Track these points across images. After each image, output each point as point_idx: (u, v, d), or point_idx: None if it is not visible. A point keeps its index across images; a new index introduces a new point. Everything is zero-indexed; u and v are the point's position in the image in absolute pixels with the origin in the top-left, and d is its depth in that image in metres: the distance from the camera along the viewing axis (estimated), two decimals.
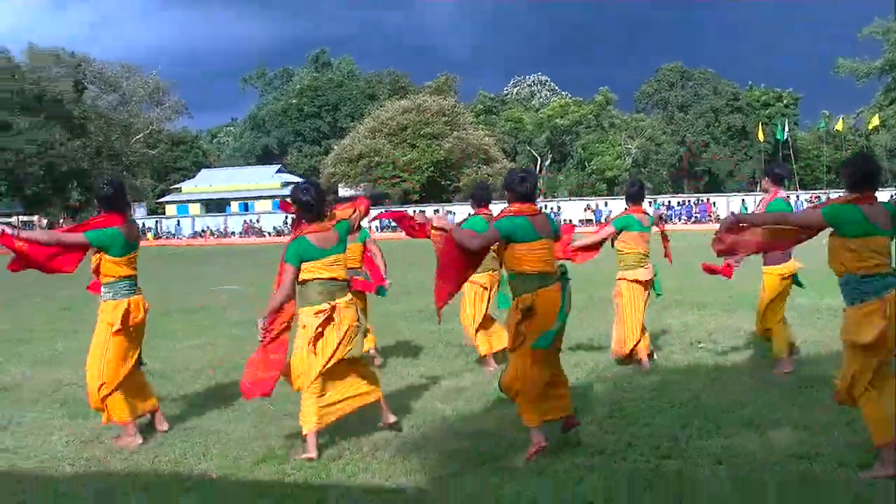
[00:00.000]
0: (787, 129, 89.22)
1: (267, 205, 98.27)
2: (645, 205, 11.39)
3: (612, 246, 10.99)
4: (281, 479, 7.17)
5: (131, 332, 8.44)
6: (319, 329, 7.71)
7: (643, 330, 10.97)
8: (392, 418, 8.29)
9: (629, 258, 10.92)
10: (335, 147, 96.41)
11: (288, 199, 8.21)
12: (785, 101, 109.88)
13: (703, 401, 9.04)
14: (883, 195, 53.97)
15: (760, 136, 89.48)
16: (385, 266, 11.97)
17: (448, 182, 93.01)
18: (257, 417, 9.18)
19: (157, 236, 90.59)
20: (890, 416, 6.52)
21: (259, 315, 7.79)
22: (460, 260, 7.52)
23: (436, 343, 13.32)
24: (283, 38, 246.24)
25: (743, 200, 76.25)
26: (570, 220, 78.72)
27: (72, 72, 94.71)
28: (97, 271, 8.34)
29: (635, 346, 10.88)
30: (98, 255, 8.26)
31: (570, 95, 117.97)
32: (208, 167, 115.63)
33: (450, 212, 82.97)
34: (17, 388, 11.22)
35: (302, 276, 7.74)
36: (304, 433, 7.75)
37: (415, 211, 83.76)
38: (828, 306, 14.42)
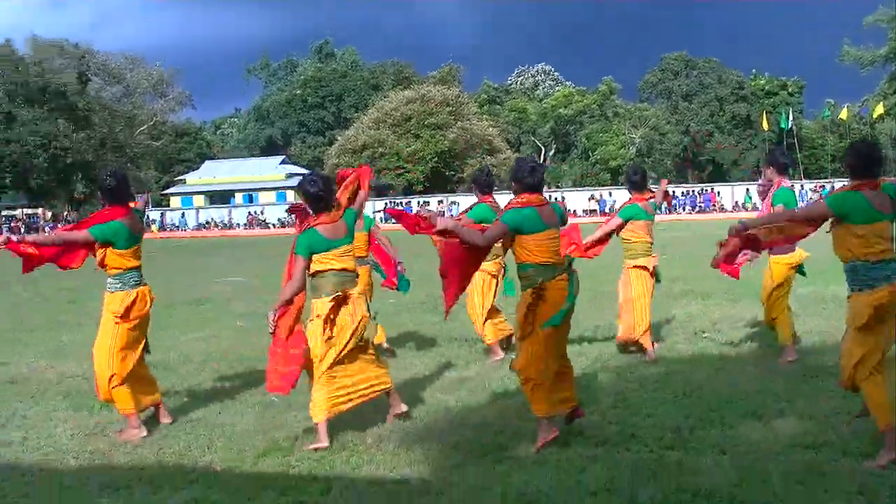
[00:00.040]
0: (791, 117, 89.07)
1: (271, 196, 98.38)
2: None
3: (618, 235, 10.98)
4: (285, 471, 7.18)
5: (138, 322, 8.47)
6: (332, 317, 7.75)
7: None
8: (402, 408, 8.32)
9: (637, 247, 10.90)
10: (339, 138, 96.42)
11: (298, 202, 8.22)
12: (789, 90, 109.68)
13: (706, 391, 9.03)
14: None
15: (765, 125, 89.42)
16: (394, 251, 11.97)
17: (452, 172, 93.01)
18: (262, 409, 9.19)
19: (162, 228, 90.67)
20: (892, 399, 6.55)
21: (270, 308, 7.77)
22: (467, 257, 7.52)
23: (439, 334, 13.32)
24: (287, 30, 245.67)
25: (748, 190, 76.18)
26: (574, 211, 78.77)
27: (75, 63, 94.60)
28: (103, 264, 8.35)
29: (644, 332, 10.89)
30: (103, 249, 8.27)
31: (573, 85, 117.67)
32: (212, 159, 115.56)
33: (454, 202, 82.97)
34: (22, 381, 11.23)
35: (314, 268, 7.76)
36: (315, 422, 7.78)
37: (419, 202, 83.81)
38: (833, 295, 14.40)
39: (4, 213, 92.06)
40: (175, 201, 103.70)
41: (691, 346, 11.58)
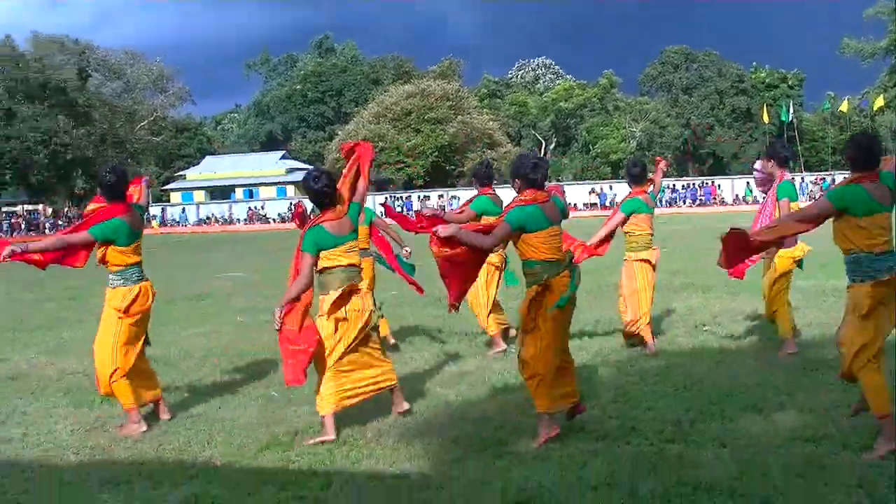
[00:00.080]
0: (792, 110, 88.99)
1: (271, 191, 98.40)
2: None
3: (621, 229, 10.99)
4: (285, 465, 7.17)
5: (140, 317, 8.49)
6: (341, 312, 7.79)
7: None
8: (405, 406, 8.32)
9: (639, 239, 10.90)
10: (339, 133, 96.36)
11: (298, 204, 8.22)
12: (790, 83, 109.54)
13: (706, 384, 9.02)
14: None
15: (765, 118, 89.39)
16: (398, 237, 11.98)
17: (452, 167, 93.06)
18: (262, 404, 9.20)
19: (163, 224, 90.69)
20: (889, 387, 6.60)
21: (276, 305, 7.75)
22: (471, 259, 7.53)
23: (439, 328, 13.32)
24: (287, 25, 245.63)
25: (748, 183, 76.11)
26: (575, 204, 78.76)
27: (76, 59, 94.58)
28: (104, 261, 8.35)
29: (646, 325, 10.90)
30: (104, 247, 8.28)
31: (574, 79, 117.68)
32: (213, 154, 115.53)
33: (454, 197, 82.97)
34: (22, 378, 11.23)
35: (321, 265, 7.79)
36: (321, 416, 7.80)
37: (420, 197, 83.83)
38: (833, 288, 14.37)
39: (5, 209, 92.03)
40: (175, 197, 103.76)
41: (692, 340, 11.58)
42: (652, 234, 11.00)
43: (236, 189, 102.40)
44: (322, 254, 7.74)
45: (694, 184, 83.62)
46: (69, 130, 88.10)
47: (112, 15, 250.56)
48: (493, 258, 11.06)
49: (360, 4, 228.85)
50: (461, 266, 7.50)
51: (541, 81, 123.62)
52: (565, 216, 7.71)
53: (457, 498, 6.15)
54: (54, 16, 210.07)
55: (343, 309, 7.80)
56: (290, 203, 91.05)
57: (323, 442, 7.63)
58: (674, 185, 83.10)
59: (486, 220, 11.16)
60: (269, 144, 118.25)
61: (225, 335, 14.09)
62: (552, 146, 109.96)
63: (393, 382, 8.25)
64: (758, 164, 10.70)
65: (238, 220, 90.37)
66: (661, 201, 76.35)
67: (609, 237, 10.76)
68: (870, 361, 6.66)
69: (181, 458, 7.51)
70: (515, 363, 9.89)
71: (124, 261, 8.35)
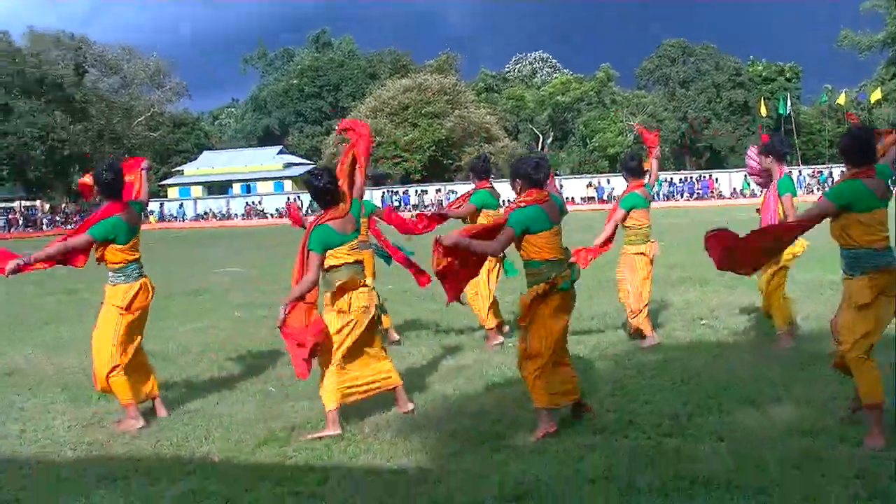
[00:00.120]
0: (789, 103, 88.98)
1: (269, 186, 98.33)
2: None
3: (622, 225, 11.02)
4: (283, 461, 7.18)
5: (140, 314, 8.53)
6: (348, 308, 7.82)
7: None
8: (409, 406, 8.32)
9: (639, 233, 10.91)
10: (337, 127, 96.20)
11: (292, 201, 8.20)
12: (787, 75, 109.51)
13: (704, 378, 9.03)
14: None
15: (763, 111, 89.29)
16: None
17: (450, 161, 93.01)
18: (259, 400, 9.21)
19: (161, 219, 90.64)
20: (887, 379, 6.65)
21: (281, 303, 7.74)
22: (473, 262, 7.56)
23: (436, 322, 13.32)
24: (285, 19, 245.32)
25: (745, 176, 75.88)
26: (573, 198, 78.75)
27: (72, 55, 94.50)
28: (103, 259, 8.36)
29: (645, 318, 10.93)
30: (104, 246, 8.28)
31: (571, 73, 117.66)
32: (210, 149, 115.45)
33: (452, 191, 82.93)
34: (19, 374, 11.24)
35: (328, 263, 7.79)
36: (326, 410, 7.81)
37: (417, 191, 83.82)
38: (830, 281, 14.38)
39: (2, 205, 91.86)
40: (173, 192, 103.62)
41: (689, 334, 11.58)
42: (650, 227, 11.02)
43: (234, 184, 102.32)
44: (328, 252, 7.75)
45: (691, 177, 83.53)
46: (66, 126, 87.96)
47: (107, 10, 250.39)
48: None
49: None
50: (465, 267, 7.56)
51: (538, 75, 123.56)
52: (564, 213, 7.73)
53: (454, 492, 6.15)
54: (50, 10, 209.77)
55: (349, 306, 7.82)
56: (287, 198, 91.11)
57: (324, 437, 7.65)
58: (671, 179, 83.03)
59: (486, 213, 11.22)
60: (266, 139, 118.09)
61: (223, 330, 14.09)
62: (549, 140, 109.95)
63: (397, 383, 8.27)
64: (751, 151, 10.68)
65: (235, 215, 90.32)
66: (658, 195, 76.46)
67: (613, 236, 10.78)
68: (867, 352, 6.70)
69: (178, 454, 7.51)
70: (513, 357, 9.95)
71: (124, 258, 8.37)
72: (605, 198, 77.86)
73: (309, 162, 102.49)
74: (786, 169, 10.18)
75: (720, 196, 76.72)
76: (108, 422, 8.56)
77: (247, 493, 6.44)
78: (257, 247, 39.34)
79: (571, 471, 6.45)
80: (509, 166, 7.71)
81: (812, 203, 7.18)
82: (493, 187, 11.55)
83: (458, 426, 7.72)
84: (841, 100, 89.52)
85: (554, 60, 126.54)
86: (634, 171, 10.98)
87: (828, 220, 6.85)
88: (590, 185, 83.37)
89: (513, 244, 7.45)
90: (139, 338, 8.62)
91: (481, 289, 11.40)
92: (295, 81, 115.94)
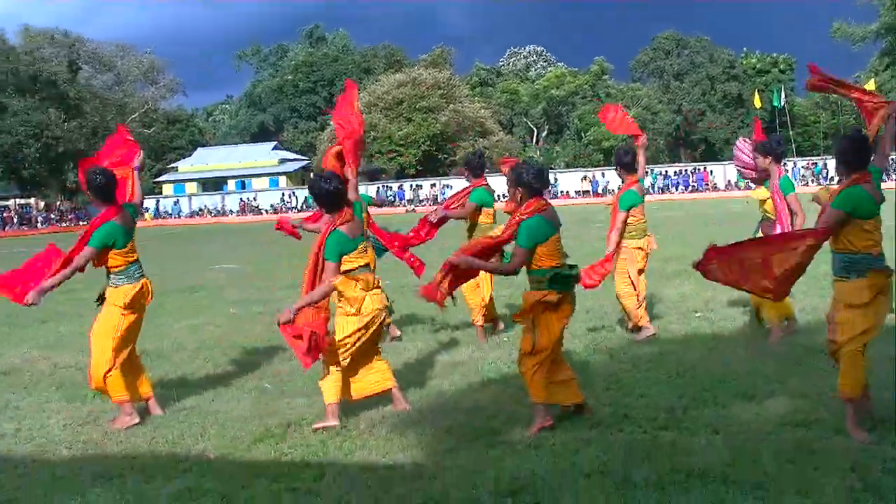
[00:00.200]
0: (783, 95, 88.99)
1: (264, 182, 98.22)
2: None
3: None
4: (278, 457, 7.18)
5: (141, 314, 8.59)
6: (362, 308, 7.82)
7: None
8: (404, 406, 8.31)
9: (638, 228, 10.91)
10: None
11: (283, 218, 8.24)
12: (780, 67, 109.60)
13: (699, 370, 9.05)
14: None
15: (757, 103, 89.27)
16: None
17: (445, 156, 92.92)
18: (255, 397, 9.21)
19: (156, 216, 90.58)
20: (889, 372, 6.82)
21: (288, 307, 7.73)
22: (470, 274, 7.60)
23: (432, 318, 13.30)
24: (278, 15, 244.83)
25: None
26: (567, 192, 78.78)
27: (66, 52, 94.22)
28: (103, 263, 8.37)
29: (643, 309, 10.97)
30: (101, 253, 8.30)
31: (565, 66, 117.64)
32: (204, 146, 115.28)
33: (447, 185, 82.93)
34: (14, 373, 11.23)
35: (342, 268, 7.78)
36: (326, 403, 7.86)
37: (412, 186, 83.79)
38: (825, 273, 14.30)
39: None
40: (168, 189, 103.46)
41: (684, 327, 11.59)
42: (646, 222, 11.04)
43: (228, 180, 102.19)
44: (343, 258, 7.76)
45: (686, 170, 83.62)
46: (60, 123, 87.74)
47: (103, 9, 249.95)
48: None
49: None
50: (459, 279, 7.61)
51: (532, 69, 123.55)
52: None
53: (450, 488, 6.15)
54: (44, 7, 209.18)
55: (364, 309, 7.83)
56: (283, 193, 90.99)
57: (325, 428, 7.70)
58: (666, 172, 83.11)
59: (486, 211, 11.24)
60: (260, 135, 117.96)
61: (218, 327, 14.09)
62: (544, 134, 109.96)
63: (392, 385, 8.28)
64: (741, 144, 10.68)
65: (230, 211, 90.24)
66: (653, 188, 76.53)
67: (621, 241, 10.75)
68: (864, 346, 6.75)
69: (174, 452, 7.52)
70: (509, 352, 9.99)
71: (125, 260, 8.42)
72: (600, 191, 77.84)
73: (304, 158, 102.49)
74: (783, 169, 10.25)
75: (715, 188, 76.76)
76: (103, 420, 8.55)
77: (243, 489, 6.44)
78: (252, 243, 39.36)
79: (567, 465, 6.46)
80: (510, 173, 7.67)
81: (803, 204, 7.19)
82: (488, 184, 11.56)
83: (453, 422, 7.72)
84: None
85: (548, 54, 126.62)
86: (629, 166, 10.96)
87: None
88: (584, 178, 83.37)
89: (507, 243, 7.46)
90: (136, 338, 8.66)
91: (484, 290, 11.43)
92: (289, 77, 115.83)
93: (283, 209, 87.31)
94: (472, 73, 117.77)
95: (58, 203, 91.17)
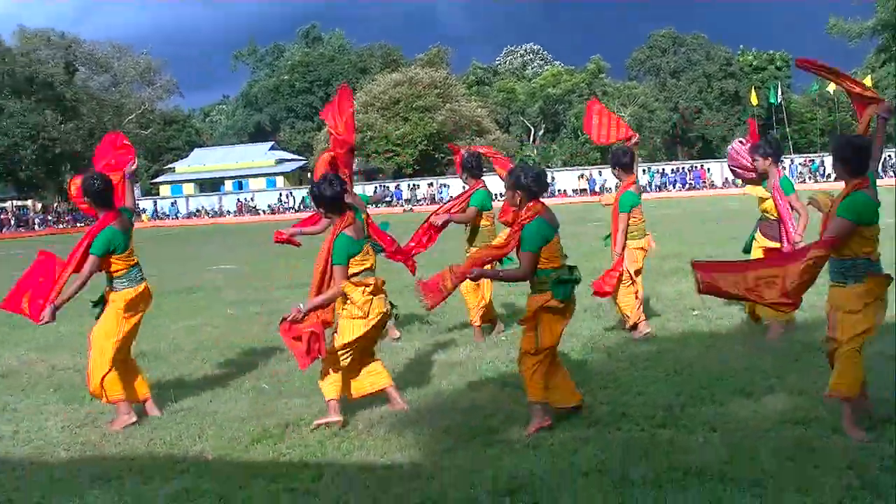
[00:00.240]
0: (780, 92, 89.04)
1: (261, 182, 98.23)
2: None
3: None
4: (276, 458, 7.18)
5: (141, 316, 8.65)
6: (369, 310, 7.85)
7: None
8: (402, 405, 8.30)
9: (638, 228, 10.91)
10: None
11: (281, 233, 8.34)
12: (777, 64, 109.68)
13: (697, 368, 9.05)
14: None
15: (754, 101, 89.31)
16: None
17: (442, 155, 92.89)
18: (253, 397, 9.21)
19: (154, 217, 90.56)
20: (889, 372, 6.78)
21: (299, 306, 7.72)
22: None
23: (429, 317, 13.29)
24: (273, 15, 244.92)
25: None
26: (564, 190, 78.78)
27: (62, 53, 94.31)
28: (105, 269, 8.38)
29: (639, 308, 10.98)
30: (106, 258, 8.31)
31: (562, 64, 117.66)
32: (201, 146, 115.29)
33: (444, 185, 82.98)
34: (12, 375, 11.23)
35: (349, 271, 7.80)
36: (327, 399, 7.87)
37: (409, 185, 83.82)
38: (822, 270, 14.36)
39: None
40: (165, 190, 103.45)
41: (681, 324, 11.59)
42: (644, 221, 11.04)
43: (225, 181, 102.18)
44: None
45: (683, 168, 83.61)
46: (57, 125, 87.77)
47: (99, 9, 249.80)
48: None
49: None
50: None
51: (529, 68, 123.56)
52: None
53: (448, 487, 6.15)
54: (39, 6, 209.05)
55: (370, 312, 7.86)
56: (280, 194, 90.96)
57: (328, 423, 7.74)
58: (663, 170, 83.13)
59: (487, 215, 11.25)
60: (257, 135, 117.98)
61: (216, 328, 14.08)
62: (541, 132, 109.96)
63: (389, 385, 8.30)
64: (738, 147, 10.68)
65: (228, 212, 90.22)
66: (650, 185, 76.55)
67: (625, 245, 10.75)
68: (861, 346, 6.75)
69: (172, 453, 7.51)
70: (506, 352, 9.99)
71: (126, 264, 8.45)
72: (597, 189, 77.84)
73: (301, 158, 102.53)
74: (782, 169, 10.30)
75: (712, 186, 76.73)
76: (101, 422, 8.55)
77: (241, 490, 6.44)
78: (250, 243, 39.32)
79: (565, 464, 6.45)
80: (507, 175, 7.66)
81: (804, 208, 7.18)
82: (486, 186, 11.56)
83: (451, 421, 7.71)
84: (831, 88, 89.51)
85: (545, 52, 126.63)
86: (628, 166, 10.94)
87: (818, 224, 6.89)
88: (581, 176, 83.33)
89: (513, 250, 7.45)
90: (133, 340, 8.67)
91: (483, 290, 11.44)
92: (286, 77, 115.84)
93: (281, 209, 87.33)
94: (468, 72, 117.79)
95: (55, 205, 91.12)
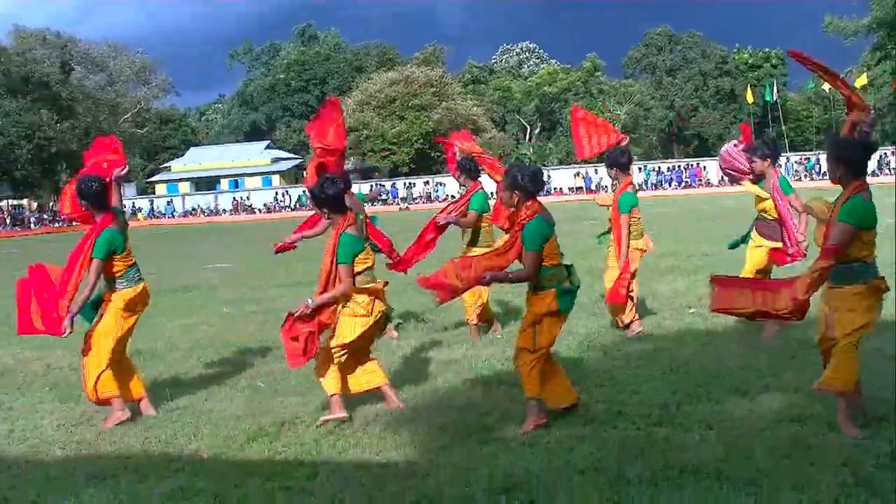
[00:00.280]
0: (776, 90, 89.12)
1: (257, 181, 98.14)
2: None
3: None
4: (272, 456, 7.18)
5: (139, 315, 8.68)
6: (371, 309, 7.92)
7: None
8: (397, 403, 8.30)
9: (637, 229, 10.89)
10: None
11: (284, 245, 8.44)
12: (772, 62, 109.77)
13: (693, 366, 9.04)
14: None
15: (749, 99, 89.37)
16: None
17: (438, 153, 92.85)
18: (248, 396, 9.21)
19: (150, 216, 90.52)
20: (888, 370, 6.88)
21: (307, 301, 7.72)
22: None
23: (425, 315, 13.31)
24: (269, 14, 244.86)
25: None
26: (560, 189, 78.77)
27: (58, 53, 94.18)
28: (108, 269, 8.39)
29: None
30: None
31: (558, 63, 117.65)
32: (197, 145, 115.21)
33: (440, 183, 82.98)
34: (8, 373, 11.24)
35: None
36: (330, 394, 7.88)
37: (405, 184, 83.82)
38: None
39: None
40: (161, 189, 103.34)
41: (677, 322, 11.59)
42: (641, 221, 11.04)
43: (221, 180, 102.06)
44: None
45: (679, 166, 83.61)
46: (52, 124, 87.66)
47: (97, 9, 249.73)
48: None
49: None
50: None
51: (525, 66, 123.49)
52: None
53: (444, 485, 6.15)
54: (35, 6, 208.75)
55: (372, 311, 7.93)
56: (276, 192, 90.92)
57: (333, 419, 7.77)
58: (659, 168, 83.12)
59: (486, 217, 11.26)
60: (253, 134, 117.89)
61: (211, 326, 14.08)
62: (537, 131, 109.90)
63: (384, 383, 8.30)
64: (732, 150, 10.67)
65: (224, 210, 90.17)
66: (646, 184, 76.58)
67: (629, 241, 10.74)
68: (858, 341, 6.76)
69: (167, 451, 7.51)
70: (503, 350, 9.99)
71: (125, 264, 8.49)
72: (593, 188, 77.83)
73: (296, 157, 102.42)
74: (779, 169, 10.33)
75: (708, 184, 76.69)
76: (96, 420, 8.54)
77: (236, 489, 6.44)
78: (245, 242, 39.29)
79: (561, 462, 6.45)
80: (504, 175, 7.67)
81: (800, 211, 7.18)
82: (483, 187, 11.55)
83: (447, 419, 7.71)
84: (827, 86, 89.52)
85: (541, 51, 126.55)
86: (626, 166, 10.92)
87: (814, 228, 6.90)
88: (577, 175, 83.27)
89: (518, 254, 7.45)
90: (127, 341, 8.69)
91: (481, 289, 11.45)
92: (281, 76, 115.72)
93: (277, 208, 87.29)
94: (464, 71, 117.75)
95: (50, 203, 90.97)
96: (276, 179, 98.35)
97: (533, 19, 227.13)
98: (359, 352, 8.07)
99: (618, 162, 10.89)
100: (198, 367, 10.91)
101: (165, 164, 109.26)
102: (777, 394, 7.84)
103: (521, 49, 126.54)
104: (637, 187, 11.13)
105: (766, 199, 10.22)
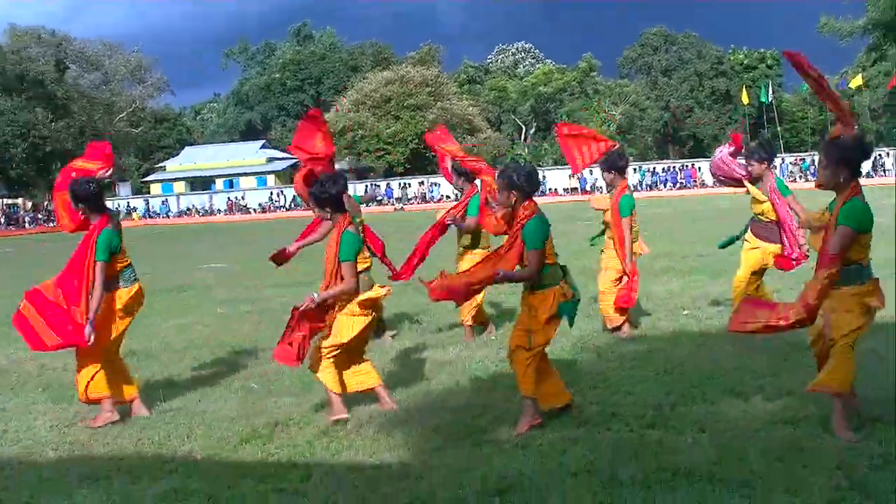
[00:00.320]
0: (771, 91, 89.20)
1: (252, 181, 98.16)
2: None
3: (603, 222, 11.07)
4: (265, 458, 7.16)
5: (134, 315, 8.66)
6: (370, 309, 7.93)
7: None
8: (390, 405, 8.29)
9: (634, 233, 10.87)
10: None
11: (281, 252, 8.51)
12: (768, 62, 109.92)
13: (687, 367, 9.05)
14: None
15: (745, 100, 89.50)
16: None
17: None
18: (242, 397, 9.19)
19: (145, 215, 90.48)
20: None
21: (313, 296, 7.72)
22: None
23: (419, 316, 13.31)
24: (264, 13, 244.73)
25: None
26: (556, 189, 78.80)
27: (53, 51, 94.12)
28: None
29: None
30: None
31: (553, 63, 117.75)
32: (192, 144, 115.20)
33: (435, 183, 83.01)
34: (1, 374, 11.22)
35: None
36: (332, 393, 7.89)
37: (401, 184, 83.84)
38: (810, 269, 14.37)
39: None
40: (155, 188, 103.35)
41: (672, 324, 11.59)
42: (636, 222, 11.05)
43: (216, 179, 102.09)
44: None
45: (674, 167, 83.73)
46: (47, 123, 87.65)
47: (88, 5, 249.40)
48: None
49: None
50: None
51: (520, 66, 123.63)
52: None
53: (437, 487, 6.14)
54: (29, 4, 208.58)
55: (372, 309, 7.96)
56: (271, 192, 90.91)
57: (336, 421, 7.79)
58: (654, 169, 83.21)
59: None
60: (248, 134, 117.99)
61: (206, 327, 14.07)
62: (532, 131, 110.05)
63: (377, 384, 8.30)
64: (725, 157, 10.65)
65: (218, 210, 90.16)
66: (640, 184, 76.65)
67: (631, 244, 10.73)
68: (855, 341, 6.75)
69: (160, 452, 7.49)
70: (496, 351, 9.99)
71: (122, 263, 8.47)
72: (587, 188, 77.87)
73: (292, 157, 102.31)
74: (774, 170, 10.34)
75: (703, 185, 76.74)
76: (90, 422, 8.51)
77: (229, 490, 6.42)
78: (240, 242, 39.30)
79: (554, 464, 6.45)
80: (499, 175, 7.68)
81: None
82: (479, 190, 11.54)
83: (440, 421, 7.70)
84: None
85: (536, 51, 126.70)
86: (623, 169, 10.91)
87: (810, 233, 6.89)
88: (572, 175, 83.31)
89: (520, 256, 7.45)
90: (121, 342, 8.70)
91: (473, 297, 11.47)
92: (277, 75, 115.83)
93: (271, 208, 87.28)
94: (460, 71, 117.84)
95: (45, 203, 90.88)
96: (271, 179, 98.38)
97: (532, 19, 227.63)
98: (353, 352, 8.07)
99: (616, 165, 10.86)
100: (192, 367, 10.89)
101: (160, 164, 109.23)
102: (771, 395, 7.83)
103: (517, 49, 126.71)
104: (632, 189, 11.11)
105: (764, 201, 10.20)
